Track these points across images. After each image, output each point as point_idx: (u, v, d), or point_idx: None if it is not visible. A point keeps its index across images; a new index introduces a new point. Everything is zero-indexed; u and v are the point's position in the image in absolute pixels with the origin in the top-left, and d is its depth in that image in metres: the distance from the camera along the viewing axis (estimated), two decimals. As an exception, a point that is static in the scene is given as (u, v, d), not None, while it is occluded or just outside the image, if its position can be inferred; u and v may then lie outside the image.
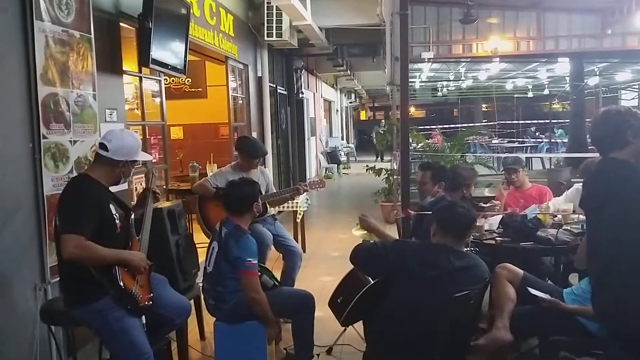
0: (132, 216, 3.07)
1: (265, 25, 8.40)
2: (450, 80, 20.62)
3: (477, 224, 4.18)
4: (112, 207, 2.88)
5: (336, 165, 18.16)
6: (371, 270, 3.12)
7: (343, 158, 20.29)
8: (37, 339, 3.34)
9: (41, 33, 3.56)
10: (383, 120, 24.04)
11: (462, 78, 19.28)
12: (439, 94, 25.27)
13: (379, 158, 20.44)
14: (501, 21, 9.05)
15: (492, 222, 4.40)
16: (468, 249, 3.47)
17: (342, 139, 24.25)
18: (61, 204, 2.79)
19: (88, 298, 2.77)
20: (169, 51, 4.97)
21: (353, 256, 3.05)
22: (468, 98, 27.62)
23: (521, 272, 3.35)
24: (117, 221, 2.88)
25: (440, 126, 21.11)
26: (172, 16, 5.01)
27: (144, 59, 4.62)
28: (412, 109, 34.96)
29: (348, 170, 19.26)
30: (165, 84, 7.99)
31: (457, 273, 2.86)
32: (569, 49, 9.12)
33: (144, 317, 2.97)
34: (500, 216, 4.40)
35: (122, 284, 2.74)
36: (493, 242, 4.00)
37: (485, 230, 4.22)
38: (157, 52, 4.68)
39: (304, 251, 7.19)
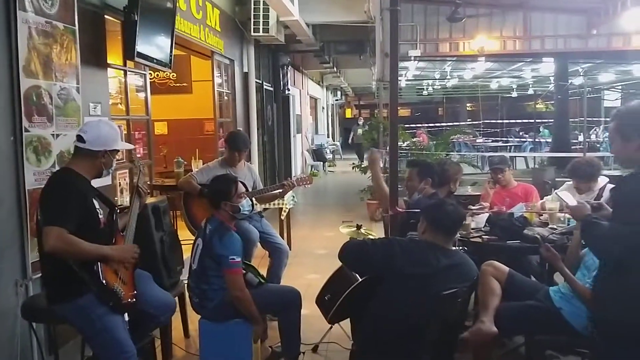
0: (117, 212, 3.02)
1: (252, 20, 8.33)
2: (436, 79, 20.68)
3: (464, 222, 4.20)
4: (95, 202, 2.82)
5: (322, 162, 18.12)
6: (360, 268, 3.09)
7: (329, 156, 20.25)
8: (17, 336, 3.28)
9: (24, 24, 3.49)
10: (361, 118, 24.04)
11: (448, 77, 19.34)
12: (425, 92, 25.33)
13: (360, 158, 19.30)
14: (488, 20, 9.07)
15: (478, 221, 4.40)
16: (457, 247, 3.47)
17: (328, 137, 24.22)
18: (44, 197, 2.72)
19: (70, 294, 2.71)
20: (154, 45, 4.91)
21: (342, 254, 3.02)
22: (453, 97, 27.75)
23: (507, 269, 3.37)
24: (101, 216, 2.82)
25: (426, 125, 21.17)
26: (158, 9, 4.94)
27: (129, 52, 4.55)
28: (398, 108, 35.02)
29: (334, 167, 19.23)
30: (150, 79, 7.94)
31: (446, 271, 2.84)
32: (554, 48, 9.17)
33: (127, 314, 2.91)
34: (487, 214, 4.41)
35: (104, 280, 2.68)
36: (480, 240, 4.00)
37: (472, 229, 4.22)
38: (143, 45, 4.61)
39: (290, 249, 7.16)
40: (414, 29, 8.90)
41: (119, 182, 4.85)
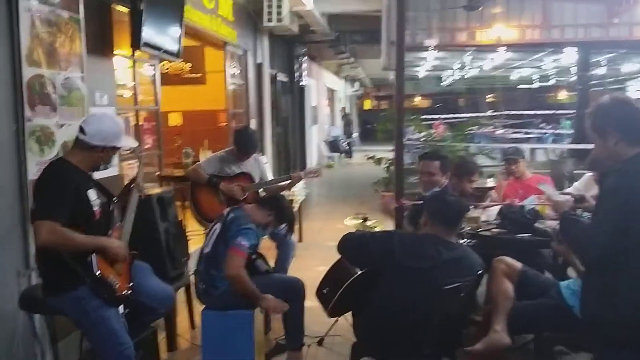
0: (115, 203, 2.99)
1: (266, 10, 8.26)
2: (456, 70, 20.41)
3: (474, 215, 4.10)
4: (91, 193, 2.79)
5: (338, 154, 18.04)
6: (359, 261, 3.03)
7: (345, 147, 20.16)
8: (19, 327, 3.27)
9: (27, 12, 3.46)
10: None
11: (467, 67, 19.06)
12: (444, 83, 25.04)
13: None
14: (505, 9, 8.88)
15: (490, 213, 4.30)
16: (464, 240, 3.38)
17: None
18: (36, 189, 2.70)
19: (64, 286, 2.69)
20: (162, 34, 4.86)
21: (341, 246, 2.96)
22: (473, 88, 27.39)
23: (519, 265, 3.24)
24: (96, 208, 2.79)
25: (444, 116, 20.93)
26: (165, -1, 4.90)
27: (136, 42, 4.52)
28: (417, 99, 34.76)
29: (350, 159, 19.13)
30: (164, 70, 7.92)
31: (448, 264, 2.77)
32: (575, 38, 8.95)
33: (123, 306, 2.89)
34: (499, 207, 4.31)
35: (98, 272, 2.65)
36: (489, 233, 3.90)
37: (483, 222, 4.12)
38: (149, 34, 4.58)
39: (301, 240, 7.13)
40: (430, 17, 8.76)
41: (127, 173, 4.83)
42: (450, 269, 2.77)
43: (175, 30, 5.12)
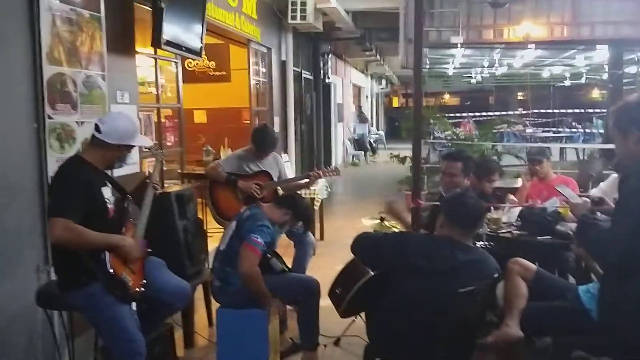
0: (129, 200, 3.01)
1: (290, 7, 8.25)
2: (485, 67, 20.12)
3: (495, 216, 4.03)
4: (105, 190, 2.82)
5: (363, 152, 17.96)
6: (372, 262, 3.00)
7: (373, 145, 20.07)
8: (37, 323, 3.32)
9: (47, 11, 3.50)
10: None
11: (496, 65, 18.78)
12: (473, 80, 24.72)
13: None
14: (534, 5, 8.70)
15: (511, 215, 4.22)
16: (483, 242, 3.33)
17: (372, 126, 24.00)
18: (52, 186, 2.74)
19: (78, 283, 2.72)
20: (183, 32, 4.89)
21: (354, 246, 2.94)
22: (503, 86, 26.99)
23: (534, 267, 3.18)
24: (110, 205, 2.81)
25: (472, 114, 20.67)
26: (186, -3, 4.92)
27: (157, 41, 4.54)
28: (446, 96, 34.47)
29: (375, 157, 19.04)
30: (189, 68, 7.98)
31: (462, 267, 2.72)
32: (605, 35, 8.72)
33: (137, 303, 2.91)
34: (519, 209, 4.22)
35: (111, 269, 2.67)
36: (509, 235, 3.83)
37: (503, 223, 4.05)
38: (170, 33, 4.60)
39: (322, 239, 7.11)
40: (456, 14, 8.64)
41: (148, 171, 4.87)
42: (465, 272, 2.72)
43: (197, 29, 5.14)
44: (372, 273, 2.99)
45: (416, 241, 2.83)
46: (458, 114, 19.83)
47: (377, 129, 25.74)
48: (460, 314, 2.71)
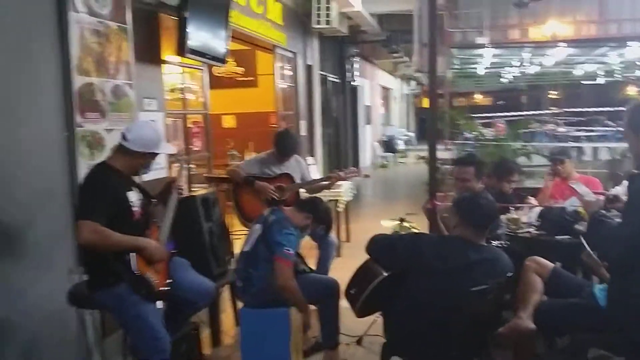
0: (154, 203, 3.15)
1: (314, 12, 8.36)
2: (516, 66, 19.89)
3: (514, 216, 4.05)
4: (130, 194, 2.95)
5: (392, 153, 17.95)
6: (386, 262, 3.06)
7: (401, 146, 20.04)
8: (69, 322, 3.46)
9: (76, 24, 3.67)
10: None
11: (527, 64, 18.55)
12: (504, 80, 24.44)
13: None
14: (560, 4, 8.62)
15: (531, 215, 4.22)
16: (497, 242, 3.36)
17: (401, 127, 23.94)
18: (80, 191, 2.89)
19: (107, 282, 2.86)
20: (207, 41, 5.03)
21: (369, 247, 3.01)
22: (535, 85, 26.61)
23: (551, 265, 3.21)
24: (136, 208, 2.94)
25: (503, 114, 20.41)
26: (209, 5, 5.05)
27: (181, 49, 4.69)
28: (478, 96, 34.11)
29: (405, 159, 19.00)
30: (217, 74, 8.14)
31: (475, 267, 2.77)
32: (633, 32, 8.59)
33: (162, 302, 3.03)
34: (540, 208, 4.23)
35: (136, 270, 2.80)
36: (528, 234, 3.84)
37: (523, 223, 4.06)
38: (194, 41, 4.75)
39: (349, 240, 7.17)
40: (481, 15, 8.62)
41: (173, 175, 5.01)
42: (477, 272, 2.77)
43: (220, 37, 5.27)
44: (385, 274, 3.05)
45: (430, 241, 2.89)
46: (490, 114, 19.64)
47: (407, 130, 25.63)
48: (474, 312, 2.76)
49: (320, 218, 3.85)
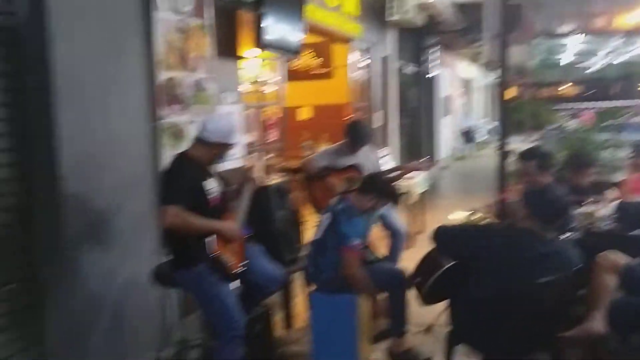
0: (231, 191, 3.34)
1: (391, 3, 8.34)
2: (603, 56, 18.94)
3: (589, 210, 3.94)
4: (207, 183, 3.14)
5: (472, 145, 17.55)
6: (451, 251, 3.09)
7: (482, 137, 19.54)
8: (153, 300, 3.74)
9: (160, 22, 3.91)
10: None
11: (616, 53, 17.62)
12: (591, 70, 23.31)
13: None
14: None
15: (608, 209, 4.09)
16: (565, 235, 3.30)
17: (483, 118, 23.33)
18: (162, 178, 3.11)
19: (187, 262, 3.07)
20: (283, 35, 5.19)
21: (435, 236, 3.04)
22: (625, 74, 25.17)
23: (623, 261, 3.12)
24: (212, 195, 3.13)
25: (591, 103, 19.49)
26: (286, 1, 5.20)
27: (258, 43, 4.87)
28: (564, 86, 32.66)
29: (484, 150, 18.53)
30: (294, 67, 8.31)
31: (541, 259, 2.76)
32: None
33: (238, 284, 3.22)
34: (618, 202, 4.09)
35: (214, 251, 2.99)
36: (602, 229, 3.74)
37: (598, 217, 3.94)
38: (270, 36, 4.91)
39: (423, 231, 7.17)
40: (565, 2, 8.31)
41: (249, 165, 5.22)
42: (544, 264, 2.76)
43: (295, 31, 5.41)
44: (448, 264, 3.08)
45: (496, 232, 2.89)
46: (576, 104, 18.80)
47: (492, 120, 24.93)
48: (539, 304, 2.75)
49: (384, 195, 3.85)
